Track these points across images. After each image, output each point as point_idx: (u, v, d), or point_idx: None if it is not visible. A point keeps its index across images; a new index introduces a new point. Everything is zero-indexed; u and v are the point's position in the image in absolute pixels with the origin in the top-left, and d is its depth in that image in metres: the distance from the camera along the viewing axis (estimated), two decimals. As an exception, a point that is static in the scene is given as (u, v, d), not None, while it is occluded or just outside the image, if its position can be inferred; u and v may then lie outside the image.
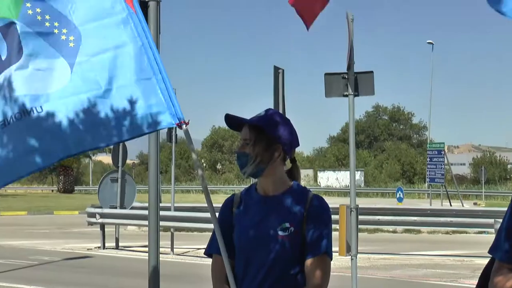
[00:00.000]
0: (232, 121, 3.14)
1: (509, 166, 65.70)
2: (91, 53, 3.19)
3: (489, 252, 2.69)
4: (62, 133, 3.04)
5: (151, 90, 3.05)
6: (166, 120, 3.03)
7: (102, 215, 17.50)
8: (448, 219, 18.42)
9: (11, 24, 3.18)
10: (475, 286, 2.82)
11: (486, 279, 2.69)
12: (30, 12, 3.20)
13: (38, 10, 3.20)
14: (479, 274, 2.76)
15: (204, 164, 79.04)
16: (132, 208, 17.61)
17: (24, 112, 3.07)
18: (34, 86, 3.13)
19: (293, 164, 3.20)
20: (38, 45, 3.18)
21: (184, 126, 3.10)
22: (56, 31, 3.21)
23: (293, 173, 3.18)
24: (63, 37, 3.21)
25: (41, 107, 3.08)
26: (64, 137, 3.04)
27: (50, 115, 3.06)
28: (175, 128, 3.06)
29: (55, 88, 3.12)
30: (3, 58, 3.18)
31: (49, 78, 3.15)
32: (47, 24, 3.20)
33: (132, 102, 3.02)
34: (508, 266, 2.58)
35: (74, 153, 3.13)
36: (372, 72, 9.16)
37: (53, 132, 3.05)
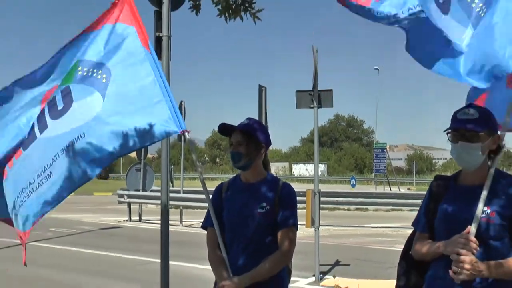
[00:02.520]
0: (224, 128, 3.11)
1: (433, 160, 66.09)
2: (119, 84, 3.19)
3: (412, 225, 2.78)
4: (104, 146, 3.07)
5: (162, 109, 3.04)
6: (173, 130, 3.03)
7: (129, 196, 17.53)
8: (388, 200, 18.28)
9: (68, 87, 3.23)
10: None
11: (410, 245, 2.79)
12: (80, 73, 3.24)
13: (85, 68, 3.25)
14: None
15: (206, 158, 77.97)
16: (152, 190, 17.55)
17: (80, 136, 3.09)
18: (80, 118, 3.14)
19: (265, 158, 3.16)
20: (82, 89, 3.21)
21: (186, 134, 3.09)
22: (94, 75, 3.23)
23: (265, 165, 3.17)
24: (98, 77, 3.22)
25: (84, 133, 3.10)
26: (105, 148, 3.06)
27: (93, 135, 3.10)
28: (187, 132, 3.12)
29: (92, 115, 3.14)
30: (59, 108, 3.21)
31: (88, 109, 3.16)
32: (89, 74, 3.23)
33: (149, 119, 3.03)
34: (425, 236, 2.67)
35: (116, 157, 3.13)
36: (331, 90, 9.07)
37: (97, 148, 3.07)
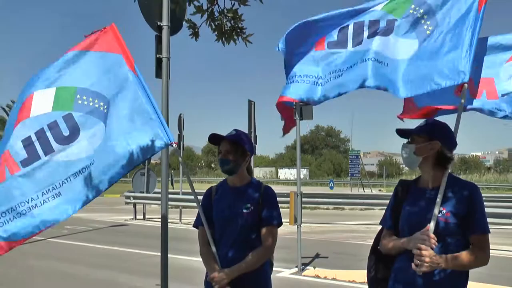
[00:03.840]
0: (214, 138, 3.11)
1: (401, 165, 66.40)
2: (117, 110, 3.13)
3: (380, 223, 2.80)
4: (111, 166, 3.02)
5: (154, 125, 3.00)
6: (164, 142, 2.97)
7: (134, 197, 17.41)
8: (362, 200, 18.32)
9: (70, 114, 3.15)
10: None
11: (378, 241, 2.79)
12: (80, 102, 3.18)
13: (84, 97, 3.19)
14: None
15: (203, 164, 78.00)
16: (154, 192, 17.44)
17: (88, 165, 3.03)
18: (89, 149, 3.08)
19: (249, 165, 3.17)
20: (87, 120, 3.15)
21: (174, 145, 3.05)
22: (96, 106, 3.17)
23: (249, 171, 3.18)
24: (101, 108, 3.16)
25: (94, 160, 3.05)
26: (114, 169, 3.02)
27: (102, 158, 3.05)
28: (174, 144, 3.10)
29: (97, 143, 3.09)
30: (66, 135, 3.14)
31: (94, 139, 3.10)
32: (91, 104, 3.17)
33: (145, 135, 3.00)
34: (391, 233, 2.69)
35: (126, 172, 3.06)
36: (311, 105, 9.12)
37: (106, 170, 3.02)
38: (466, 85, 2.82)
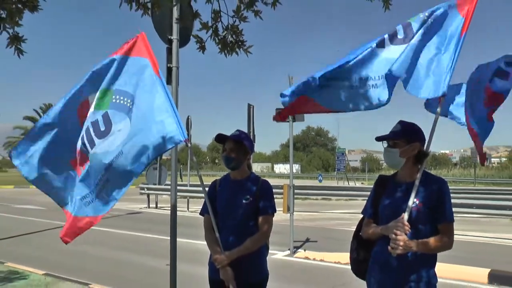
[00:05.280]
0: (220, 137, 3.10)
1: (380, 161, 66.45)
2: (140, 106, 3.14)
3: (362, 212, 2.80)
4: (136, 156, 3.02)
5: (171, 122, 2.98)
6: (179, 139, 2.95)
7: (148, 188, 17.41)
8: (347, 192, 18.44)
9: (107, 113, 3.17)
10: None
11: (359, 228, 2.80)
12: (114, 100, 3.20)
13: (117, 96, 3.20)
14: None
15: (208, 159, 77.99)
16: (165, 184, 17.41)
17: (119, 153, 3.05)
18: (119, 140, 3.08)
19: (248, 161, 3.16)
20: (117, 115, 3.15)
21: (188, 142, 3.05)
22: (125, 103, 3.18)
23: (249, 167, 3.18)
24: (126, 104, 3.17)
25: (122, 151, 3.05)
26: (141, 157, 3.02)
27: (130, 149, 3.05)
28: (187, 142, 3.07)
29: (125, 136, 3.09)
30: (102, 129, 3.15)
31: (123, 131, 3.10)
32: (122, 102, 3.19)
33: (164, 130, 2.97)
34: (370, 221, 2.69)
35: (152, 159, 3.07)
36: None
37: (134, 158, 3.03)
38: (443, 98, 2.81)
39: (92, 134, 3.18)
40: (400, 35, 3.02)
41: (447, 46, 2.97)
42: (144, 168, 3.09)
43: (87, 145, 3.17)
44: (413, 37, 2.97)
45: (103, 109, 3.22)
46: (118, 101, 3.21)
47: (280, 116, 3.31)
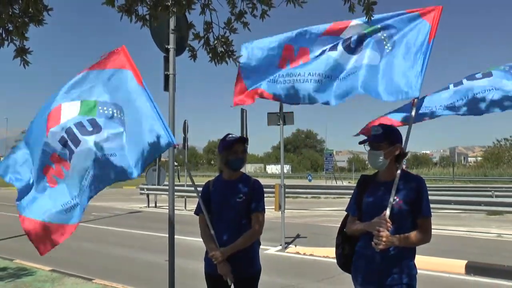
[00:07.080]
0: (229, 143, 3.02)
1: (366, 162, 66.65)
2: (130, 117, 3.09)
3: (346, 210, 2.78)
4: (127, 161, 2.95)
5: (159, 129, 2.94)
6: (168, 144, 2.91)
7: (148, 189, 17.31)
8: (334, 190, 18.58)
9: (93, 119, 3.12)
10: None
11: (344, 224, 2.78)
12: (101, 111, 3.14)
13: (105, 108, 3.15)
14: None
15: (204, 161, 77.66)
16: (164, 185, 17.35)
17: (113, 154, 2.99)
18: (113, 143, 3.03)
19: None
20: (108, 123, 3.10)
21: (177, 146, 3.01)
22: (111, 112, 3.13)
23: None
24: (116, 115, 3.13)
25: (115, 153, 2.99)
26: (127, 162, 2.95)
27: (122, 153, 2.99)
28: (177, 145, 3.02)
29: (121, 143, 3.02)
30: (89, 129, 3.08)
31: (117, 139, 3.04)
32: (110, 112, 3.15)
33: (154, 137, 2.93)
34: (354, 219, 2.67)
35: (148, 163, 3.03)
36: (292, 112, 9.02)
37: (127, 159, 2.96)
38: (416, 99, 2.84)
39: (78, 134, 3.09)
40: (353, 45, 3.16)
41: (416, 54, 3.01)
42: (147, 165, 3.02)
43: (71, 145, 3.06)
44: (361, 50, 3.16)
45: (90, 116, 3.16)
46: (107, 112, 3.15)
47: (240, 101, 3.54)
